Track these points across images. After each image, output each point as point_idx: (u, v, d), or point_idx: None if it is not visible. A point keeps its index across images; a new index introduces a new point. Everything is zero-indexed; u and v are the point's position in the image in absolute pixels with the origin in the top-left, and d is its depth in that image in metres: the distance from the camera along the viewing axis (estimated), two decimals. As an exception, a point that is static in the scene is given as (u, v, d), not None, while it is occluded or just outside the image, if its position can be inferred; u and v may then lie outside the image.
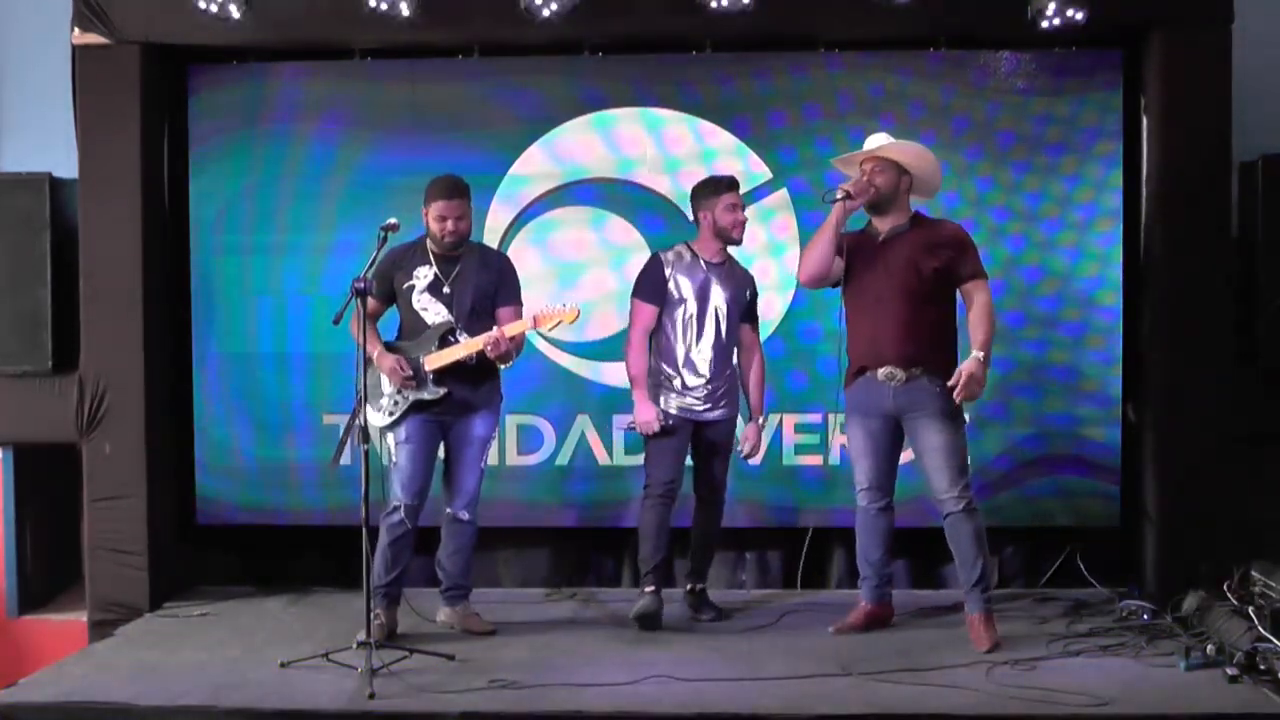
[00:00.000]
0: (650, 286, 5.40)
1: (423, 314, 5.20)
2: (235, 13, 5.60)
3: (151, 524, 5.80)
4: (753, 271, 5.96)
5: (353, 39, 5.93)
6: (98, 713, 4.47)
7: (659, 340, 5.42)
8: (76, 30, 5.72)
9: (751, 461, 5.63)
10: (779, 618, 5.53)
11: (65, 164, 5.85)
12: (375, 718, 4.38)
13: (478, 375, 5.20)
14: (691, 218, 5.49)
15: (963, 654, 4.90)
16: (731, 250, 5.45)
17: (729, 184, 5.40)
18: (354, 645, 4.74)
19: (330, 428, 5.95)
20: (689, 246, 5.44)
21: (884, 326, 5.06)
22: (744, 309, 5.47)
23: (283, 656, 4.85)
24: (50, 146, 5.97)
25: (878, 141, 5.18)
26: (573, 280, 5.72)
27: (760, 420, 5.51)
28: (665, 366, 5.39)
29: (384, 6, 5.56)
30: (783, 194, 5.99)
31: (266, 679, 4.73)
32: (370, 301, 5.10)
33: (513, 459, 6.06)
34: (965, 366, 5.00)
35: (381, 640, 4.91)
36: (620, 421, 5.88)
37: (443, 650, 4.92)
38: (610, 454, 6.00)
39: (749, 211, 5.93)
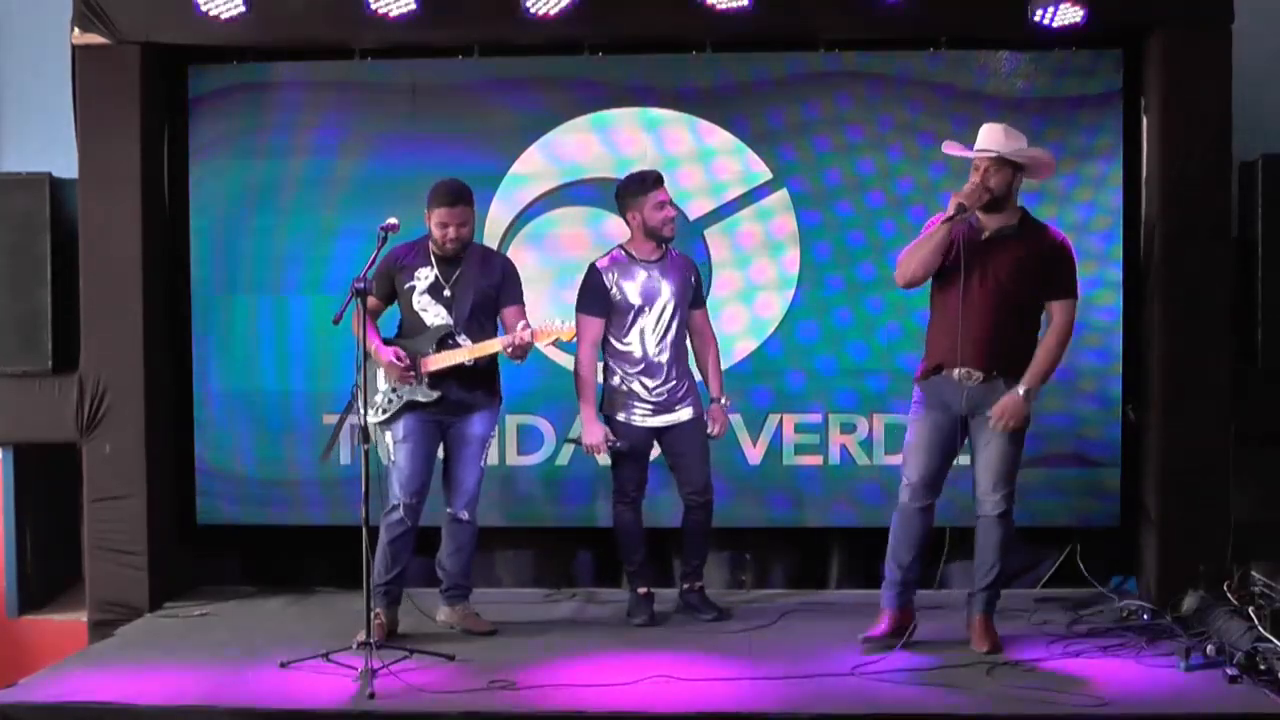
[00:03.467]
0: (593, 298, 5.38)
1: (422, 315, 5.20)
2: (235, 13, 5.60)
3: (151, 524, 5.80)
4: (751, 272, 5.99)
5: (353, 39, 5.92)
6: (98, 713, 4.47)
7: (613, 349, 5.40)
8: (76, 30, 5.72)
9: (715, 436, 5.57)
10: (779, 618, 5.53)
11: (65, 164, 5.84)
12: (375, 718, 4.38)
13: (475, 376, 5.20)
14: (621, 218, 5.48)
15: (963, 654, 4.91)
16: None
17: (655, 181, 5.37)
18: (354, 645, 4.75)
19: (330, 427, 5.93)
20: (624, 249, 5.44)
21: (970, 329, 4.91)
22: (691, 297, 5.47)
23: (283, 656, 4.85)
24: (50, 146, 5.97)
25: (993, 135, 4.94)
26: (571, 280, 5.71)
27: (723, 400, 5.51)
28: (624, 374, 5.39)
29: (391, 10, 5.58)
30: (782, 194, 5.99)
31: (266, 679, 4.73)
32: (370, 300, 5.12)
33: (513, 459, 6.07)
34: (1007, 403, 4.89)
35: (381, 639, 4.92)
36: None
37: (443, 650, 4.92)
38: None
39: (747, 211, 5.97)
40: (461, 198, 5.16)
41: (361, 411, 4.85)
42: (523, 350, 5.04)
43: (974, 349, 4.92)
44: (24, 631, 6.00)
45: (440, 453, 5.32)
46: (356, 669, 4.65)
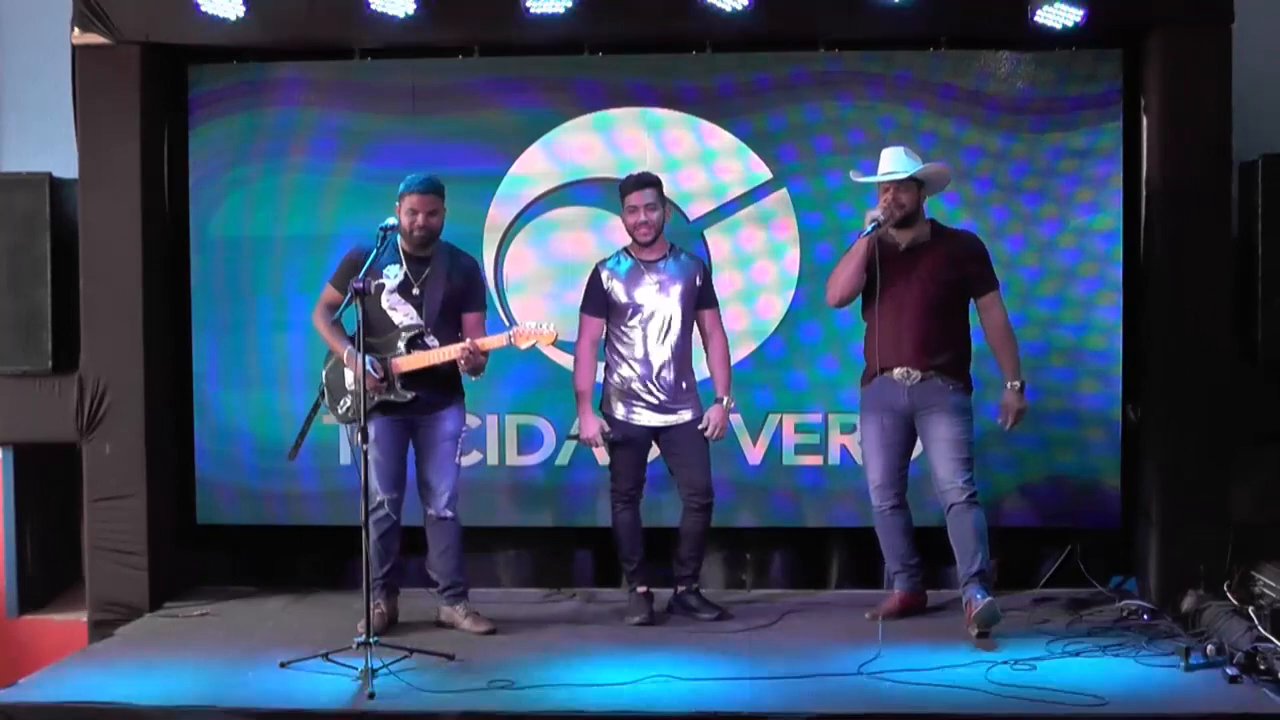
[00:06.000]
0: (592, 299, 5.43)
1: (390, 314, 5.19)
2: (235, 13, 5.60)
3: (151, 524, 5.80)
4: (752, 273, 5.99)
5: (353, 39, 5.93)
6: (98, 713, 4.47)
7: (616, 349, 5.44)
8: (76, 30, 5.72)
9: (711, 436, 5.54)
10: (779, 618, 5.53)
11: (65, 164, 5.85)
12: (375, 718, 4.38)
13: (442, 375, 5.23)
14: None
15: (963, 654, 4.90)
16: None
17: (632, 184, 5.39)
18: (354, 645, 4.74)
19: (330, 428, 5.93)
20: (627, 251, 5.47)
21: (904, 333, 5.19)
22: (697, 296, 5.47)
23: (283, 656, 4.85)
24: (50, 146, 5.97)
25: (893, 159, 5.20)
26: (572, 280, 5.72)
27: (725, 402, 5.51)
28: (625, 373, 5.41)
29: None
30: (783, 194, 5.99)
31: (266, 679, 4.73)
32: (334, 294, 5.23)
33: (513, 459, 6.07)
34: (1010, 403, 5.23)
35: (383, 628, 4.96)
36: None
37: (443, 650, 4.92)
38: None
39: (748, 212, 5.97)
40: (433, 187, 5.18)
41: (362, 412, 4.85)
42: (477, 363, 5.08)
43: (911, 349, 5.20)
44: (24, 631, 6.00)
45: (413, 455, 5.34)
46: (356, 669, 4.65)
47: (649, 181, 5.40)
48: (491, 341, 5.10)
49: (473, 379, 5.24)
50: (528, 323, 5.13)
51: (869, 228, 5.14)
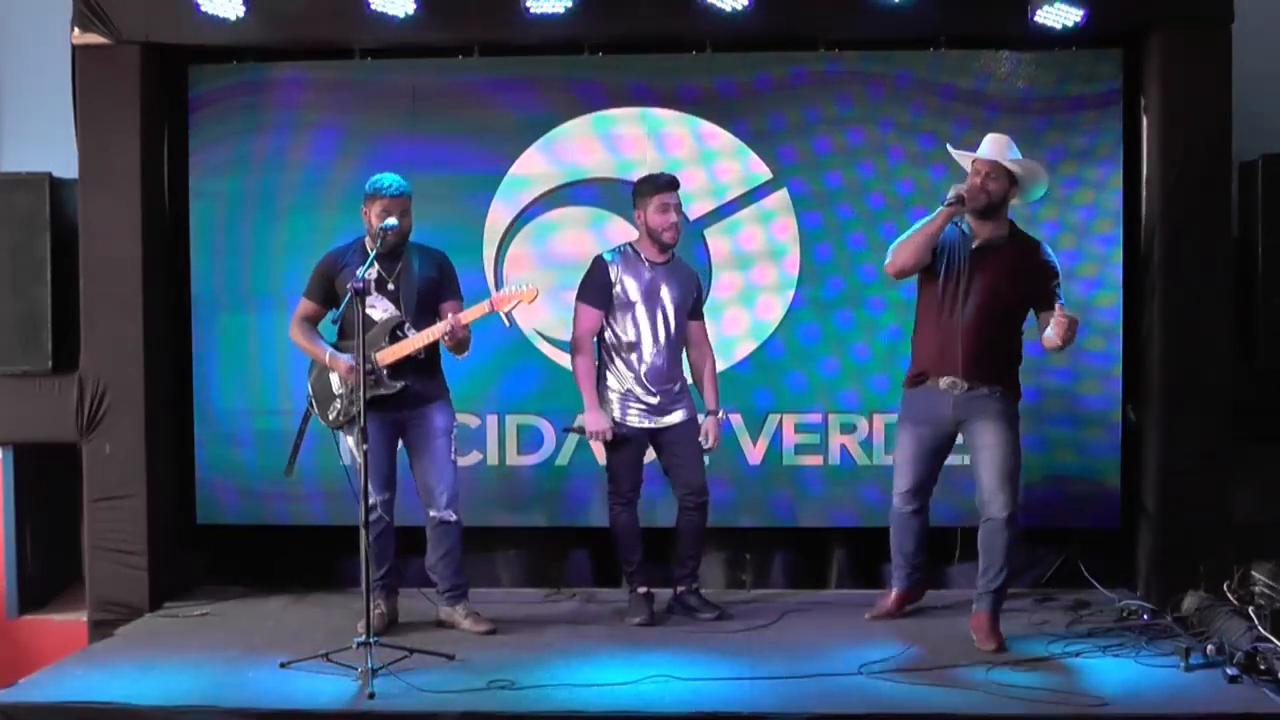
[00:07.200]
0: (594, 290, 5.41)
1: (370, 312, 5.19)
2: (235, 13, 5.61)
3: (151, 524, 5.80)
4: (751, 273, 5.99)
5: (353, 39, 5.93)
6: (98, 713, 4.47)
7: (610, 344, 5.43)
8: (76, 30, 5.72)
9: (708, 448, 5.55)
10: (779, 618, 5.53)
11: (65, 164, 5.85)
12: (375, 718, 4.38)
13: (427, 368, 5.25)
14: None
15: (962, 654, 4.90)
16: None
17: (665, 184, 5.37)
18: (354, 645, 4.74)
19: (329, 429, 5.93)
20: (632, 247, 5.46)
21: (956, 338, 5.03)
22: (691, 307, 5.49)
23: (283, 656, 4.85)
24: (50, 146, 5.97)
25: (996, 145, 5.06)
26: (572, 281, 5.72)
27: (718, 413, 5.52)
28: (620, 370, 5.41)
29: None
30: (782, 194, 5.99)
31: (266, 679, 4.73)
32: (310, 305, 5.26)
33: (513, 459, 6.07)
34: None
35: (383, 628, 4.96)
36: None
37: (443, 650, 4.92)
38: (610, 454, 6.00)
39: (748, 212, 5.97)
40: (403, 189, 5.20)
41: (362, 412, 4.84)
42: (461, 338, 5.08)
43: (960, 358, 5.04)
44: (24, 631, 6.00)
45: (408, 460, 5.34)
46: (356, 669, 4.65)
47: (678, 183, 5.41)
48: (472, 312, 5.11)
49: (458, 357, 5.22)
50: (508, 286, 5.11)
51: (952, 199, 4.95)
